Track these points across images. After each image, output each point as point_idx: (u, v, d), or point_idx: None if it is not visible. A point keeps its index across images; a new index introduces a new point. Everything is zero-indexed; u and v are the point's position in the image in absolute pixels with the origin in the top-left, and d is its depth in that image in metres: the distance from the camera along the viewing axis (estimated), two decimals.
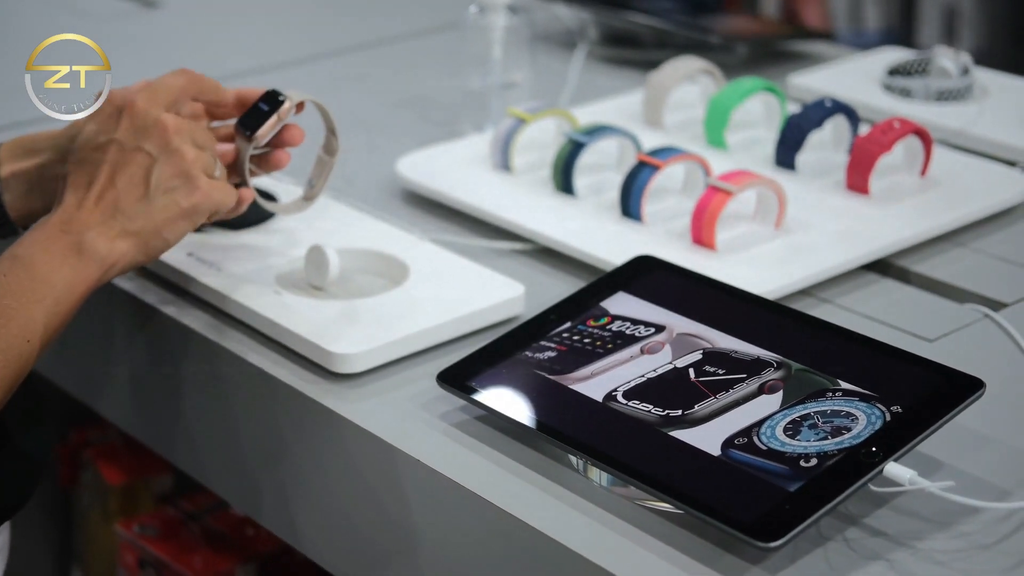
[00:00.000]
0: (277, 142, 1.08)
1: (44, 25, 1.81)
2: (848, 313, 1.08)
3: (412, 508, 0.94)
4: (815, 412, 0.85)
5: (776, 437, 0.84)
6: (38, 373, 1.26)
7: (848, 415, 0.84)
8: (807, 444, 0.83)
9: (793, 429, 0.84)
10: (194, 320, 1.09)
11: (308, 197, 1.12)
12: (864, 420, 0.84)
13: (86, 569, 1.51)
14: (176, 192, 0.99)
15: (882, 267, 1.15)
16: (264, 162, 1.08)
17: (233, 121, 1.07)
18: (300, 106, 1.08)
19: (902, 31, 2.82)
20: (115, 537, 1.38)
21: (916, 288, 1.13)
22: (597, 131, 1.24)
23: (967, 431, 0.91)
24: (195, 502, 1.39)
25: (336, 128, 1.10)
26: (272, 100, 1.06)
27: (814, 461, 0.81)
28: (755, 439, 0.84)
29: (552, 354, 0.97)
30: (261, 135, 1.05)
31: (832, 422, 0.84)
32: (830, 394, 0.86)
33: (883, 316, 1.07)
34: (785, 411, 0.86)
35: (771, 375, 0.89)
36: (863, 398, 0.85)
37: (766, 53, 1.64)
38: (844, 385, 0.87)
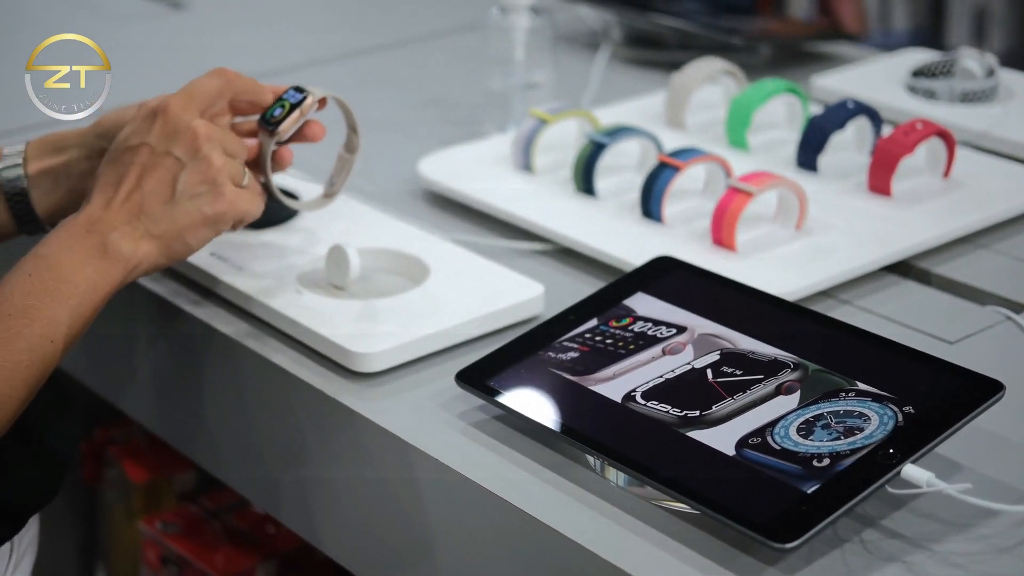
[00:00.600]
0: (298, 138, 1.08)
1: (70, 27, 1.81)
2: (868, 315, 1.08)
3: (428, 507, 0.94)
4: (828, 412, 0.86)
5: (790, 437, 0.84)
6: (63, 371, 1.27)
7: (861, 415, 0.84)
8: (820, 444, 0.83)
9: (806, 429, 0.84)
10: (216, 319, 1.09)
11: (328, 194, 1.13)
12: (876, 420, 0.84)
13: (110, 566, 1.52)
14: (201, 199, 1.00)
15: (903, 269, 1.15)
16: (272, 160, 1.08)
17: (254, 117, 1.08)
18: (322, 102, 1.08)
19: (931, 32, 2.80)
20: (138, 534, 1.39)
21: (937, 290, 1.13)
22: (618, 132, 1.24)
23: (987, 434, 0.91)
24: (217, 500, 1.39)
25: (357, 125, 1.11)
26: (295, 96, 1.06)
27: (827, 461, 0.82)
28: (769, 439, 0.84)
29: (575, 355, 0.97)
30: (283, 130, 1.05)
31: (845, 422, 0.84)
32: (843, 394, 0.87)
33: (903, 318, 1.07)
34: (799, 411, 0.86)
35: (788, 376, 0.89)
36: (876, 398, 0.86)
37: (790, 54, 1.63)
38: (861, 386, 0.87)
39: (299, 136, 1.08)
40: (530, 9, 1.40)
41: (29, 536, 1.07)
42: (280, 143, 1.07)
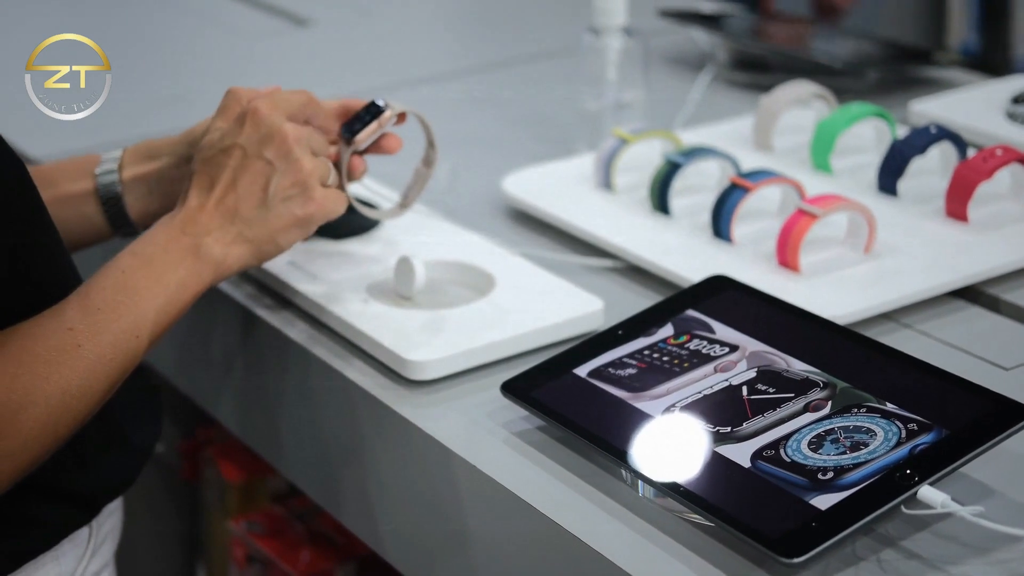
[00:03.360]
0: (376, 149, 1.12)
1: (198, 42, 1.90)
2: (926, 339, 1.08)
3: (467, 513, 0.97)
4: (840, 427, 0.87)
5: (800, 450, 0.86)
6: (157, 371, 1.33)
7: (868, 431, 0.86)
8: (827, 458, 0.84)
9: (817, 443, 0.86)
10: (290, 327, 1.13)
11: (403, 205, 1.16)
12: (882, 436, 0.85)
13: (209, 563, 1.57)
14: (292, 201, 1.04)
15: (973, 295, 1.14)
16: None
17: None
18: (402, 117, 1.12)
19: None
20: (228, 533, 1.44)
21: (1004, 317, 1.12)
22: (695, 152, 1.25)
23: None
24: (304, 502, 1.44)
25: (435, 141, 1.14)
26: (374, 108, 1.10)
27: (831, 474, 0.83)
28: (781, 452, 0.86)
29: (632, 371, 0.99)
30: (360, 139, 1.09)
31: (853, 437, 0.86)
32: (856, 409, 0.87)
33: (963, 343, 1.07)
34: (813, 425, 0.87)
35: (817, 394, 0.90)
36: (885, 415, 0.86)
37: (898, 79, 1.63)
38: (889, 407, 0.88)
39: (376, 148, 1.12)
40: (623, 30, 1.42)
41: (110, 524, 1.11)
42: (357, 152, 1.11)
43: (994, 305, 1.13)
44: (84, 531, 1.07)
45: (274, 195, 1.03)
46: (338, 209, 1.07)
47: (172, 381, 1.34)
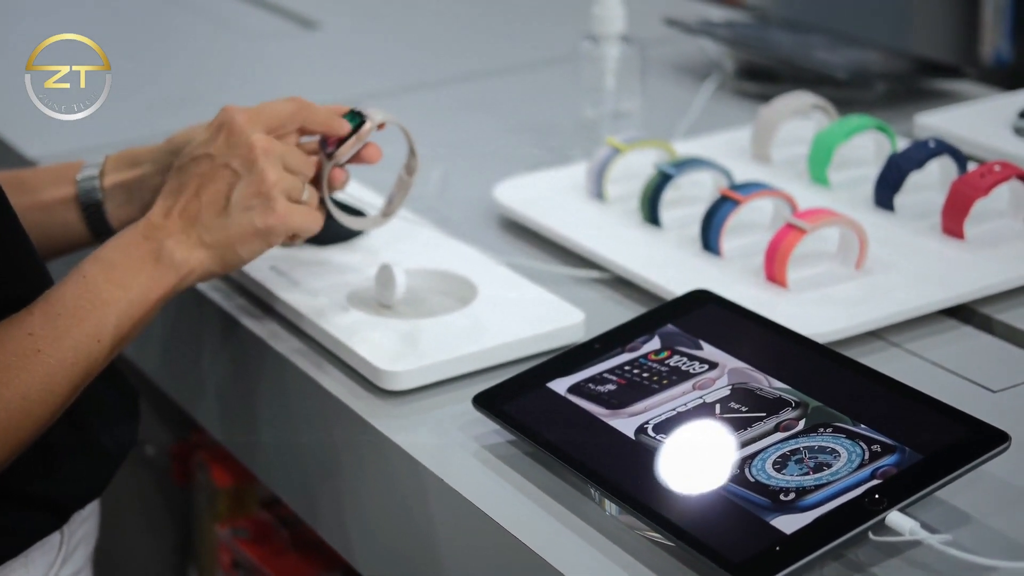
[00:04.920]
0: (356, 160, 1.11)
1: (208, 45, 1.89)
2: (914, 358, 1.05)
3: (436, 526, 0.95)
4: (804, 447, 0.85)
5: (764, 470, 0.84)
6: (145, 374, 1.32)
7: (832, 451, 0.84)
8: (789, 478, 0.83)
9: (782, 463, 0.84)
10: (269, 334, 1.12)
11: (386, 214, 1.15)
12: (845, 457, 0.83)
13: (200, 567, 1.56)
14: (253, 212, 1.03)
15: (966, 314, 1.12)
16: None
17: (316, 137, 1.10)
18: (381, 125, 1.10)
19: None
20: (216, 537, 1.43)
21: (996, 337, 1.09)
22: (687, 163, 1.23)
23: (1005, 486, 0.88)
24: (290, 509, 1.42)
25: (416, 148, 1.13)
26: (354, 120, 1.09)
27: (792, 495, 0.81)
28: (746, 471, 0.84)
29: (612, 387, 0.97)
30: (341, 153, 1.08)
31: (817, 457, 0.84)
32: (822, 429, 0.86)
33: (952, 364, 1.04)
34: (779, 445, 0.86)
35: (788, 414, 0.88)
36: (850, 435, 0.85)
37: (907, 91, 1.60)
38: (859, 427, 0.86)
39: (357, 158, 1.11)
40: (621, 38, 1.40)
41: (84, 529, 1.10)
42: (338, 165, 1.10)
43: (987, 325, 1.11)
44: (55, 537, 1.06)
45: (235, 204, 1.02)
46: (308, 225, 1.05)
47: (160, 385, 1.33)
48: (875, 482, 0.81)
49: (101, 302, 0.98)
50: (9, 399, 0.92)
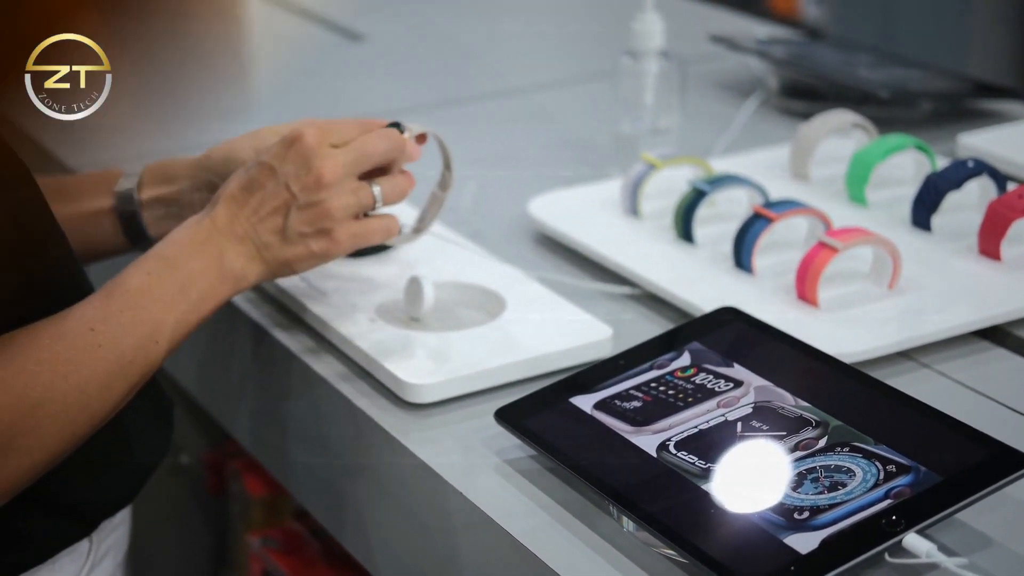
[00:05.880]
0: None
1: (255, 56, 1.91)
2: (944, 379, 1.04)
3: (457, 540, 0.95)
4: (821, 466, 0.84)
5: None
6: (180, 384, 1.33)
7: (848, 471, 0.83)
8: (804, 497, 0.82)
9: (798, 481, 0.83)
10: (299, 345, 1.12)
11: (418, 229, 1.15)
12: (860, 476, 0.82)
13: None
14: (308, 238, 1.03)
15: (1000, 336, 1.11)
16: None
17: None
18: (421, 138, 1.10)
19: None
20: (247, 547, 1.44)
21: None
22: (721, 180, 1.23)
23: None
24: None
25: (451, 163, 1.13)
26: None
27: (807, 514, 0.81)
28: None
29: (638, 404, 0.96)
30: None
31: (833, 477, 0.83)
32: (839, 448, 0.85)
33: (981, 385, 1.03)
34: (796, 463, 0.85)
35: (808, 433, 0.88)
36: (867, 455, 0.84)
37: (953, 111, 1.59)
38: (880, 448, 0.85)
39: None
40: (660, 54, 1.40)
41: (113, 538, 1.10)
42: None
43: (1021, 347, 1.10)
44: (84, 544, 1.06)
45: (291, 228, 1.03)
46: (368, 240, 1.06)
47: (194, 395, 1.34)
48: (889, 502, 0.80)
49: (163, 303, 0.98)
50: (67, 392, 0.92)
